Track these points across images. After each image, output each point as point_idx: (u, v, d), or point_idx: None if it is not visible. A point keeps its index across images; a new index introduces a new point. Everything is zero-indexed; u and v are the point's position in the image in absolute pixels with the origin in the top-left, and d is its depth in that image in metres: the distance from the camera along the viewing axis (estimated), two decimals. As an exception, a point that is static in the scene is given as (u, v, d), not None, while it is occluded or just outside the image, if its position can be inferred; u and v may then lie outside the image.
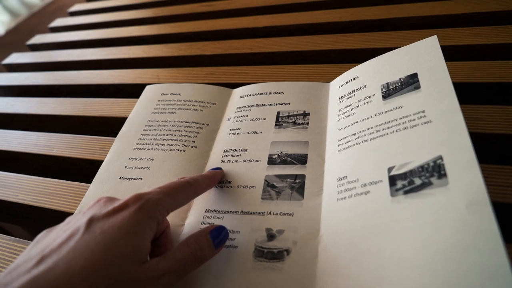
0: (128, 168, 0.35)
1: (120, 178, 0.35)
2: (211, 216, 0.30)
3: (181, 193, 0.26)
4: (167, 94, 0.43)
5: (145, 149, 0.37)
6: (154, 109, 0.41)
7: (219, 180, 0.32)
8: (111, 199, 0.24)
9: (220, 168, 0.33)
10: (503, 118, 0.32)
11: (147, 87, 0.45)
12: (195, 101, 0.41)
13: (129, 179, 0.34)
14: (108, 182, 0.35)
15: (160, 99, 0.42)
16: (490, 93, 0.36)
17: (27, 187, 0.37)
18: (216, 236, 0.26)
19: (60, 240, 0.21)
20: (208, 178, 0.30)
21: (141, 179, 0.34)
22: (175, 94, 0.42)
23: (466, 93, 0.33)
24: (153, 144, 0.37)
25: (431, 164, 0.24)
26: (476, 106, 0.33)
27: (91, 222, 0.22)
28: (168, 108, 0.41)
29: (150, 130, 0.39)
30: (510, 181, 0.27)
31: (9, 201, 0.36)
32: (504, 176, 0.28)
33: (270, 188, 0.31)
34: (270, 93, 0.39)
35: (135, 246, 0.21)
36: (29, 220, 0.39)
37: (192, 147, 0.36)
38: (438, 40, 0.32)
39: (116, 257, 0.20)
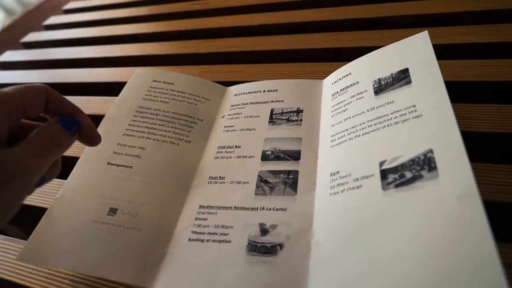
0: (117, 154, 0.34)
1: (108, 163, 0.34)
2: (205, 212, 0.30)
3: (30, 92, 0.25)
4: (159, 82, 0.42)
5: (135, 136, 0.36)
6: (146, 95, 0.40)
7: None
8: None
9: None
10: (496, 116, 0.32)
11: (137, 70, 0.44)
12: (189, 93, 0.41)
13: (118, 165, 0.33)
14: (94, 165, 0.33)
15: (152, 86, 0.41)
16: (482, 91, 0.37)
17: (19, 184, 0.37)
18: (66, 124, 0.26)
19: None
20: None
21: (131, 167, 0.33)
22: (168, 83, 0.42)
23: (458, 92, 0.33)
24: (144, 132, 0.36)
25: (422, 157, 0.24)
26: (469, 105, 0.33)
27: None
28: (161, 97, 0.40)
29: (141, 117, 0.38)
30: (503, 179, 0.28)
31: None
32: (497, 175, 0.28)
33: (264, 183, 0.31)
34: (264, 91, 0.40)
35: None
36: (24, 220, 0.38)
37: (186, 141, 0.36)
38: (431, 38, 0.32)
39: None
